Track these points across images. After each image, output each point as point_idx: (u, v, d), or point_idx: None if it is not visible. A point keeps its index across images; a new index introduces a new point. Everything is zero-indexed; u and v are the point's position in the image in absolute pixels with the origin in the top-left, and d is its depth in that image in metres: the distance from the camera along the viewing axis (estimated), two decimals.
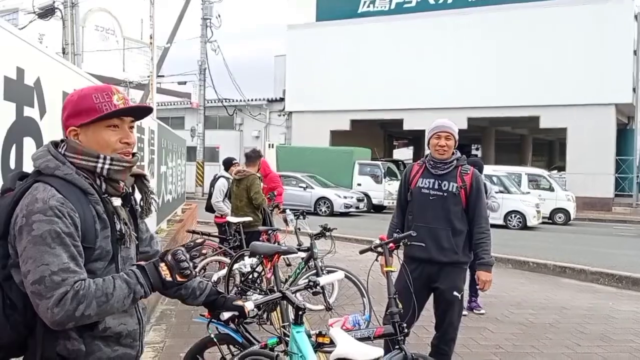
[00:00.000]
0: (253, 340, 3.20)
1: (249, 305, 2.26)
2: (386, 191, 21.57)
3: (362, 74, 26.95)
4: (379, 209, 21.72)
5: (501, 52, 24.61)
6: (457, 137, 3.80)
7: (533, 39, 24.14)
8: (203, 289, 2.09)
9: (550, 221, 18.60)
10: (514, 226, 16.90)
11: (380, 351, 2.38)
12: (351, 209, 20.00)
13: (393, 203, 22.29)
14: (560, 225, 18.54)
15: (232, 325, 3.09)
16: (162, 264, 1.62)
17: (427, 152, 3.91)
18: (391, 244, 3.43)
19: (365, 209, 20.80)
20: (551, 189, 19.08)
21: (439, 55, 25.74)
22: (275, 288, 4.24)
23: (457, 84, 25.12)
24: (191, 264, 1.63)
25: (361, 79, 26.92)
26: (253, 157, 6.87)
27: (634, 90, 23.70)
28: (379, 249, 3.42)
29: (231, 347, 3.29)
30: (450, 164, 3.72)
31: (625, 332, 5.61)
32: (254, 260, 5.75)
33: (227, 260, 6.49)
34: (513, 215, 16.95)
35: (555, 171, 27.11)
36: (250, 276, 5.81)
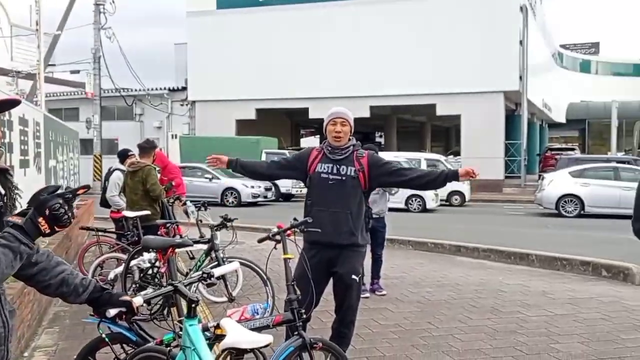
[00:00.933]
0: (148, 338, 3.11)
1: (137, 301, 2.18)
2: (294, 180, 21.66)
3: (266, 62, 26.80)
4: (287, 197, 21.81)
5: (400, 42, 25.41)
6: (352, 123, 3.89)
7: (429, 29, 25.15)
8: (86, 286, 2.00)
9: (448, 203, 19.58)
10: (415, 209, 17.63)
11: (269, 338, 2.39)
12: (259, 199, 19.94)
13: (302, 191, 22.50)
14: (456, 207, 19.58)
15: (125, 324, 2.98)
16: (40, 219, 1.59)
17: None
18: (289, 231, 3.45)
19: (273, 198, 20.82)
20: None
21: (342, 45, 26.14)
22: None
23: (360, 73, 25.66)
24: (70, 213, 1.61)
25: (266, 67, 26.77)
26: (147, 147, 6.63)
27: (520, 78, 25.38)
28: (277, 237, 3.43)
29: (125, 346, 3.18)
30: (347, 150, 3.81)
31: (513, 305, 6.02)
32: (153, 255, 5.57)
33: (125, 256, 6.24)
34: (414, 199, 17.67)
35: (452, 156, 28.55)
36: (150, 272, 5.64)
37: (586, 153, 36.22)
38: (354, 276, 3.72)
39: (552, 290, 6.71)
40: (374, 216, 6.50)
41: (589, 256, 8.26)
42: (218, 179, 20.01)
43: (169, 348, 2.71)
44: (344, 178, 3.75)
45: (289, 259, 3.36)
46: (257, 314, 3.15)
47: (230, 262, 5.04)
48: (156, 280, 5.56)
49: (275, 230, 3.44)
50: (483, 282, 7.20)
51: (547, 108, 35.76)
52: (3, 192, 1.78)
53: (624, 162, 18.74)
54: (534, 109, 31.67)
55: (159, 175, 6.83)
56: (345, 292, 3.75)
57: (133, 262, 5.60)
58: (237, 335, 2.37)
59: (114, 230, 7.10)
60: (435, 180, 3.80)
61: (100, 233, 6.88)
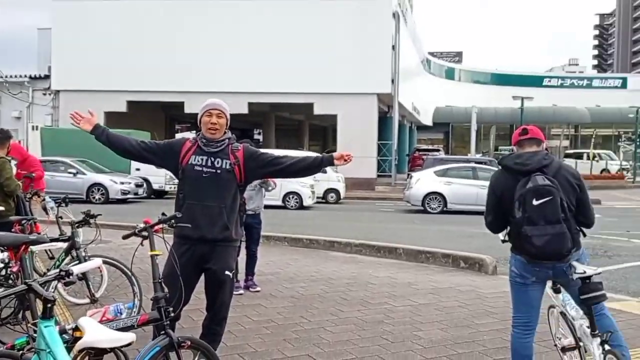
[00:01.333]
0: None
1: None
2: (167, 175, 20.95)
3: (140, 53, 25.62)
4: (160, 194, 21.05)
5: (280, 40, 25.53)
6: (228, 115, 3.82)
7: (309, 29, 25.57)
8: None
9: (324, 200, 20.07)
10: (292, 206, 17.85)
11: (132, 336, 2.27)
12: (129, 195, 19.03)
13: (174, 188, 21.82)
14: (332, 204, 20.13)
15: None
16: None
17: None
18: (156, 227, 3.31)
19: (145, 194, 19.97)
20: (324, 171, 20.51)
21: (221, 39, 25.72)
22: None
23: (239, 69, 25.43)
24: None
25: (140, 58, 25.58)
26: (1, 138, 6.05)
27: (392, 81, 26.67)
28: (144, 233, 3.28)
29: None
30: (223, 142, 3.73)
31: (381, 296, 6.30)
32: (6, 254, 5.10)
33: None
34: (291, 196, 17.89)
35: None
36: (3, 273, 5.15)
37: (449, 154, 38.96)
38: (227, 272, 3.66)
39: (417, 282, 7.12)
40: (249, 212, 6.48)
41: (450, 249, 8.90)
42: (83, 174, 18.81)
43: (21, 352, 2.49)
44: (218, 171, 3.66)
45: (157, 255, 3.23)
46: (120, 314, 3.00)
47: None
48: (10, 282, 5.10)
49: (142, 225, 3.29)
50: (354, 276, 7.46)
51: (416, 111, 37.95)
52: None
53: (481, 163, 20.39)
54: (405, 112, 33.43)
55: (14, 169, 6.26)
56: (218, 289, 3.68)
57: None
58: (96, 333, 2.22)
59: None
60: (311, 165, 3.80)
61: None
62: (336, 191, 20.63)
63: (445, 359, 4.37)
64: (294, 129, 40.45)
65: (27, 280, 2.40)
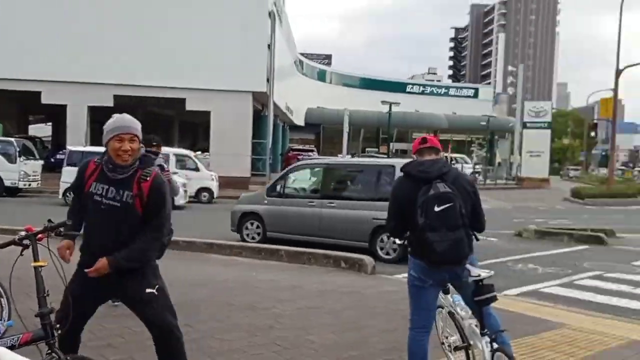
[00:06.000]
0: None
1: None
2: (21, 172, 19.12)
3: None
4: (13, 191, 19.11)
5: (150, 31, 24.46)
6: (140, 135, 3.24)
7: (183, 22, 24.78)
8: None
9: (196, 200, 19.49)
10: None
11: None
12: None
13: (30, 185, 19.90)
14: (205, 203, 19.62)
15: None
16: None
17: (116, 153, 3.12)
18: (40, 235, 2.93)
19: None
20: (197, 169, 20.00)
21: (84, 26, 24.02)
22: None
23: (103, 59, 23.96)
24: None
25: None
26: None
27: (267, 80, 26.67)
28: (26, 242, 2.88)
29: None
30: (132, 168, 3.14)
31: (268, 300, 6.20)
32: None
33: None
34: None
35: (199, 152, 28.58)
36: None
37: (319, 154, 39.89)
38: (149, 290, 3.17)
39: (301, 284, 7.11)
40: None
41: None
42: None
43: None
44: (119, 204, 3.09)
45: (41, 266, 2.85)
46: None
47: None
48: None
49: (23, 233, 2.89)
50: (238, 279, 7.30)
51: (289, 111, 38.35)
52: None
53: None
54: (278, 111, 33.61)
55: None
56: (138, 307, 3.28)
57: None
58: None
59: None
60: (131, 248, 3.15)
61: None
62: (209, 190, 20.17)
63: None
64: (163, 125, 38.86)
65: None
